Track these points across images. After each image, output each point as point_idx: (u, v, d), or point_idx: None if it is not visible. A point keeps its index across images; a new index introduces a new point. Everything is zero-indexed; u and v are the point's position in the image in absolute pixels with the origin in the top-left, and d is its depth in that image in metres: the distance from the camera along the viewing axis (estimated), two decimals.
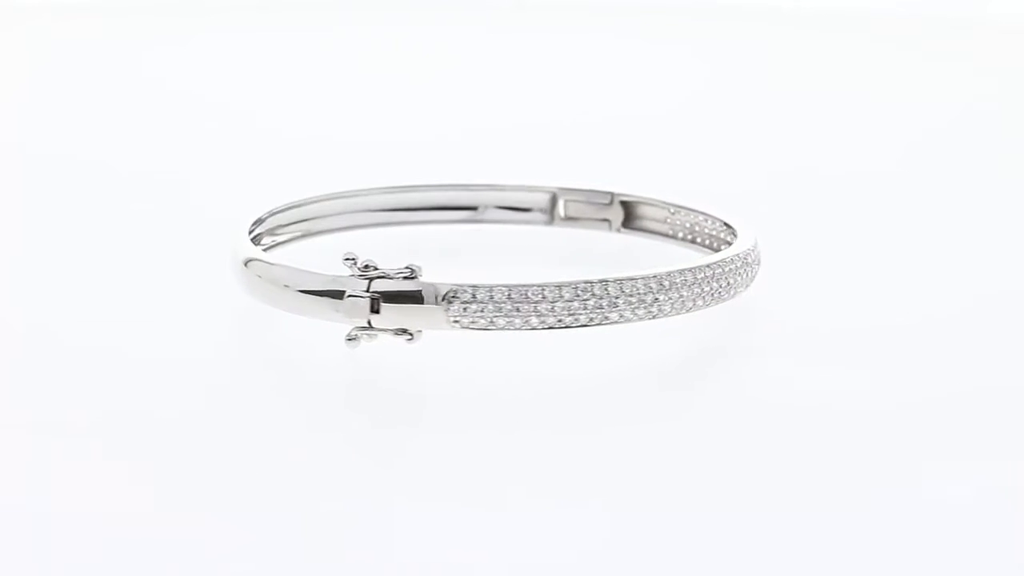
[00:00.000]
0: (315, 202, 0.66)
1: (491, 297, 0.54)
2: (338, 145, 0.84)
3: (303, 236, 0.66)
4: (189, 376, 0.56)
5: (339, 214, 0.67)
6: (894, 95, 0.94)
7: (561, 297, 0.55)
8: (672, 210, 0.66)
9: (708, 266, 0.57)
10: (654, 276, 0.56)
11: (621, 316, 0.55)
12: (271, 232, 0.64)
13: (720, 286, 0.58)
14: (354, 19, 1.04)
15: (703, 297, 0.57)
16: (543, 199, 0.68)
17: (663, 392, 0.57)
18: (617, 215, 0.67)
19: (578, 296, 0.55)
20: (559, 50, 1.02)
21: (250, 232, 0.61)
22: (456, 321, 0.54)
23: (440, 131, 0.87)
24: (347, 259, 0.55)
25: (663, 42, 1.04)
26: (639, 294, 0.55)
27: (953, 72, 0.99)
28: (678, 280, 0.56)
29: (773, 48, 1.03)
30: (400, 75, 0.96)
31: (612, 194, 0.67)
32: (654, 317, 0.56)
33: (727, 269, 0.58)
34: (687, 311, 0.57)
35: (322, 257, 0.58)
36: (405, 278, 0.54)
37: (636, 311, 0.55)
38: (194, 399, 0.55)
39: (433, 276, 0.55)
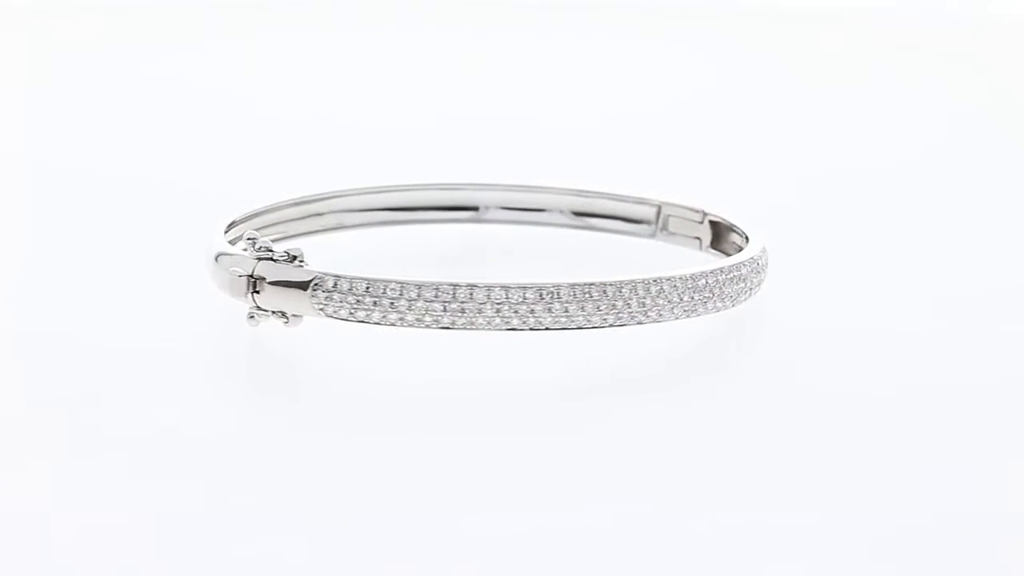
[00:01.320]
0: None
1: (350, 288, 0.54)
2: (346, 141, 0.85)
3: (320, 231, 0.66)
4: (164, 366, 0.57)
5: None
6: (900, 95, 0.95)
7: (420, 296, 0.54)
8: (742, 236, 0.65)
9: (599, 285, 0.55)
10: (532, 286, 0.55)
11: (489, 323, 0.54)
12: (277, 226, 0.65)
13: (617, 307, 0.56)
14: (357, 20, 1.05)
15: (593, 312, 0.55)
16: (650, 212, 0.68)
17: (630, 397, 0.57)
18: (707, 234, 0.67)
19: (437, 297, 0.54)
20: (559, 50, 1.02)
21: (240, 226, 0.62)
22: (321, 308, 0.55)
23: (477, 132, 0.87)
24: (248, 239, 0.56)
25: (668, 42, 1.04)
26: (512, 303, 0.54)
27: (958, 72, 0.99)
28: (562, 294, 0.55)
29: (776, 49, 1.04)
30: (411, 75, 0.97)
31: (704, 213, 0.66)
32: (531, 328, 0.55)
33: (624, 291, 0.56)
34: (574, 327, 0.55)
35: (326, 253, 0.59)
36: (286, 262, 0.55)
37: (510, 321, 0.54)
38: (168, 388, 0.56)
39: (317, 263, 0.55)
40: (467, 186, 0.68)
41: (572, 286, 0.54)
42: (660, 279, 0.56)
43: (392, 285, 0.54)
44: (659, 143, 0.87)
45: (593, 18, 1.07)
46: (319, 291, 0.55)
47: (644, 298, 0.55)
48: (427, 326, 0.54)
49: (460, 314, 0.54)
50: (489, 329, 0.54)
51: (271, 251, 0.55)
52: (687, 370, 0.59)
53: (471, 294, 0.54)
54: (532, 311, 0.54)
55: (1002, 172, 0.83)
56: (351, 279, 0.54)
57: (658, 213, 0.67)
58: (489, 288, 0.54)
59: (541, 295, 0.54)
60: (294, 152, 0.83)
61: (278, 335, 0.57)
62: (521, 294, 0.54)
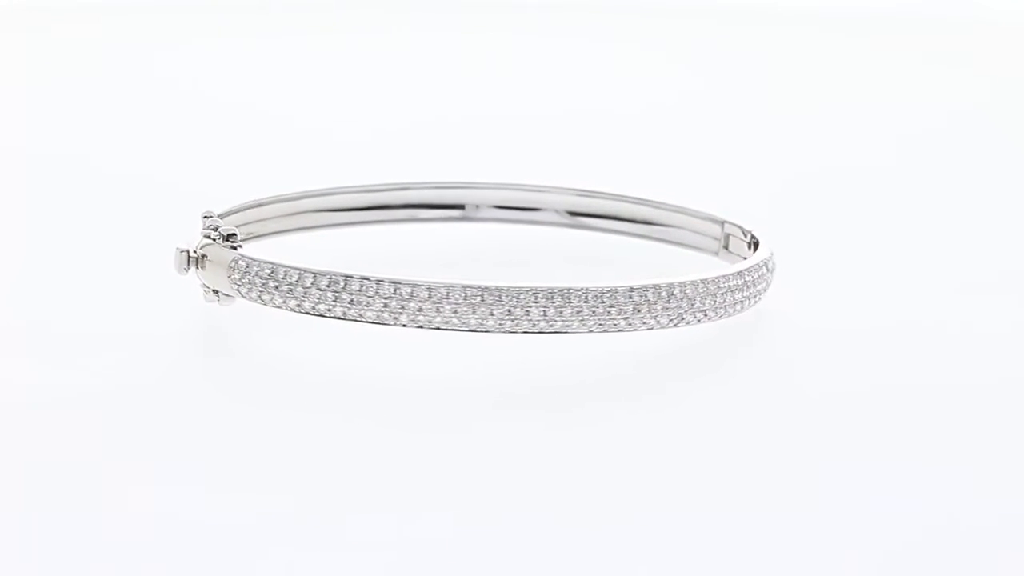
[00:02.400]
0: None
1: (257, 272, 0.56)
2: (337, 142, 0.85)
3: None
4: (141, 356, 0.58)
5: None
6: (894, 96, 0.95)
7: (315, 285, 0.55)
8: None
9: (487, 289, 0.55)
10: (422, 284, 0.54)
11: (378, 316, 0.55)
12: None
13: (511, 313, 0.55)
14: (348, 20, 1.04)
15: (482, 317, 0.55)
16: (717, 230, 0.66)
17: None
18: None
19: (329, 287, 0.55)
20: (553, 50, 1.02)
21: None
22: (237, 289, 0.56)
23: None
24: (205, 216, 0.58)
25: (660, 42, 1.04)
26: (400, 299, 0.54)
27: (957, 72, 0.99)
28: (452, 296, 0.54)
29: (772, 49, 1.03)
30: (401, 75, 0.96)
31: (752, 233, 0.65)
32: (420, 326, 0.55)
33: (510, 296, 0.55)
34: (467, 328, 0.55)
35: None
36: (222, 243, 0.57)
37: (398, 317, 0.55)
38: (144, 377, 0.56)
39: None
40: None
41: (464, 288, 0.54)
42: (569, 290, 0.55)
43: (292, 272, 0.55)
44: (656, 143, 0.87)
45: (588, 17, 1.07)
46: (235, 272, 0.56)
47: (547, 307, 0.55)
48: (321, 315, 0.55)
49: (350, 305, 0.55)
50: (379, 323, 0.54)
51: (216, 231, 0.57)
52: (659, 376, 0.59)
53: (361, 287, 0.54)
54: (420, 309, 0.54)
55: (1001, 171, 0.82)
56: (260, 263, 0.56)
57: (724, 234, 0.66)
58: (379, 282, 0.54)
59: (430, 294, 0.54)
60: (293, 151, 0.83)
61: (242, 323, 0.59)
62: (410, 291, 0.54)
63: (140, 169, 0.78)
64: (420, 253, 0.68)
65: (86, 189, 0.75)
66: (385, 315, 0.54)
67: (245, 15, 1.04)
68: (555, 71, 0.98)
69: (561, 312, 0.55)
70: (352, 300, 0.55)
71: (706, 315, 0.57)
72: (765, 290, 0.59)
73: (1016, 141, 0.88)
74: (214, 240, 0.57)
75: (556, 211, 0.68)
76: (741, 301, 0.58)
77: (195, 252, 0.57)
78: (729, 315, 0.58)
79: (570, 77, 0.97)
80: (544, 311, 0.55)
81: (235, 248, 0.57)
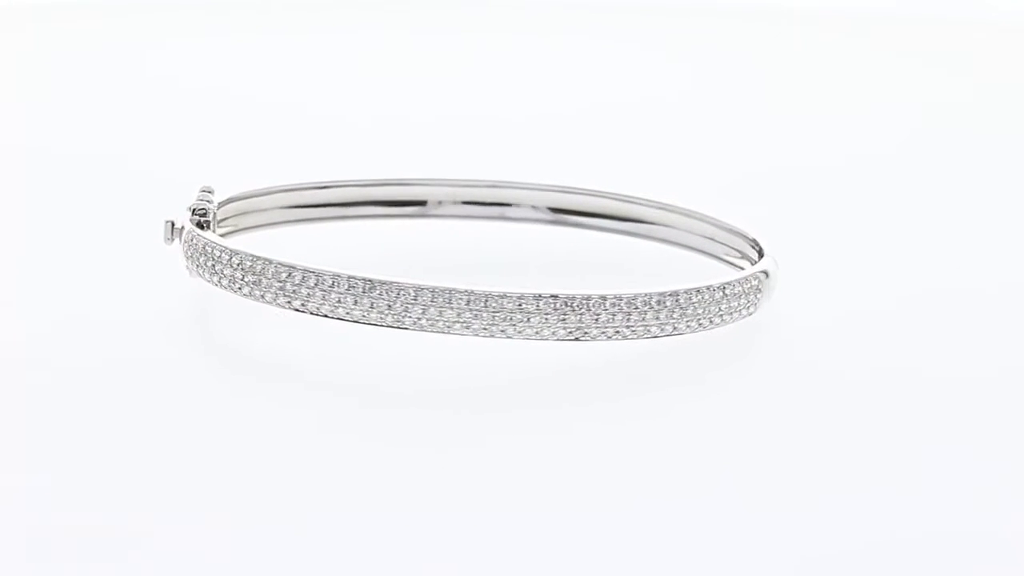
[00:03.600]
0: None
1: (192, 247, 0.57)
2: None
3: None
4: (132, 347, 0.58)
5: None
6: (893, 96, 0.94)
7: (229, 263, 0.56)
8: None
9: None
10: (349, 276, 0.55)
11: (275, 299, 0.56)
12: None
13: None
14: (325, 17, 1.04)
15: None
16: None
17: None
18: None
19: (240, 266, 0.56)
20: (548, 48, 1.01)
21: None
22: (187, 267, 0.58)
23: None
24: (203, 190, 0.60)
25: (652, 40, 1.03)
26: (294, 283, 0.55)
27: (948, 72, 0.98)
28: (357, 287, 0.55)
29: (769, 48, 1.02)
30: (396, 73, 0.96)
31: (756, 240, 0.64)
32: (355, 321, 0.55)
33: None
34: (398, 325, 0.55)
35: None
36: (195, 219, 0.59)
37: (291, 301, 0.55)
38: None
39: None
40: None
41: (349, 278, 0.55)
42: (452, 291, 0.54)
43: (218, 250, 0.56)
44: (656, 143, 0.86)
45: (577, 15, 1.06)
46: (186, 247, 0.58)
47: (428, 307, 0.55)
48: (245, 296, 0.56)
49: (253, 287, 0.56)
50: (275, 305, 0.55)
51: (197, 208, 0.59)
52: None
53: (263, 267, 0.55)
54: (309, 295, 0.55)
55: (1000, 170, 0.82)
56: (198, 239, 0.57)
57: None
58: (278, 265, 0.55)
59: (317, 281, 0.55)
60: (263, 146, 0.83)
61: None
62: (301, 277, 0.55)
63: (138, 162, 0.78)
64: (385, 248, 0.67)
65: (84, 184, 0.75)
66: (281, 299, 0.55)
67: (228, 12, 1.04)
68: (549, 71, 0.97)
69: (441, 313, 0.54)
70: (256, 282, 0.55)
71: (619, 333, 0.55)
72: (747, 309, 0.58)
73: (1016, 141, 0.87)
74: (191, 214, 0.59)
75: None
76: (665, 324, 0.56)
77: (179, 225, 0.59)
78: (655, 337, 0.56)
79: (562, 77, 0.96)
80: (424, 310, 0.54)
81: (201, 227, 0.58)
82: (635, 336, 0.55)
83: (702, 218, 0.65)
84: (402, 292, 0.54)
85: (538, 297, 0.54)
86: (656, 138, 0.86)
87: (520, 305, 0.54)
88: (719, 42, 1.02)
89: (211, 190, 0.61)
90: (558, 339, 0.55)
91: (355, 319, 0.54)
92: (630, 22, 1.04)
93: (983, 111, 0.91)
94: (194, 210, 0.59)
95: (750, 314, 0.58)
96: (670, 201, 0.66)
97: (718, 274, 0.60)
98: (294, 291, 0.55)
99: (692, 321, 0.56)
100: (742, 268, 0.62)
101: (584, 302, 0.54)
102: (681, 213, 0.66)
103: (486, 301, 0.54)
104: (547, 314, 0.54)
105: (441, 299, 0.54)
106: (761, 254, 0.61)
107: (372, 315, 0.54)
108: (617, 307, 0.55)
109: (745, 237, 0.63)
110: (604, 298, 0.55)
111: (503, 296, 0.54)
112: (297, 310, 0.55)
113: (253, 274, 0.55)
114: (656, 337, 0.55)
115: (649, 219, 0.66)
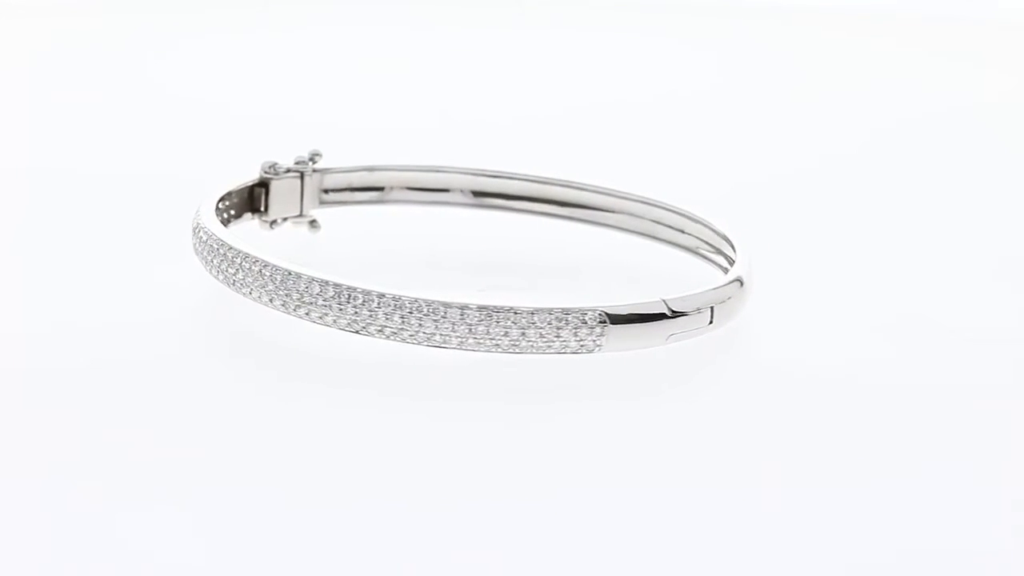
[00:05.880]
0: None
1: (195, 231, 0.58)
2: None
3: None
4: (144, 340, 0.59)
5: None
6: (893, 96, 0.94)
7: (203, 249, 0.57)
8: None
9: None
10: (254, 257, 0.55)
11: (228, 280, 0.56)
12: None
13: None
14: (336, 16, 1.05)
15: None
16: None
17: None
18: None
19: (207, 244, 0.57)
20: (546, 45, 1.02)
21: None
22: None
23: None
24: (312, 155, 0.66)
25: (654, 38, 1.04)
26: (234, 264, 0.56)
27: (949, 72, 0.99)
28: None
29: (768, 48, 1.03)
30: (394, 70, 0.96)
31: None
32: (282, 308, 0.55)
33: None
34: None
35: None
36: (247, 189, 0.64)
37: (233, 283, 0.56)
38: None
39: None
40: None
41: (266, 264, 0.55)
42: (354, 289, 0.54)
43: (215, 239, 0.57)
44: (655, 142, 0.87)
45: (570, 15, 1.07)
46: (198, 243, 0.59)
47: (340, 304, 0.54)
48: (213, 277, 0.57)
49: (218, 271, 0.56)
50: (232, 287, 0.56)
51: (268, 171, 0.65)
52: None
53: (226, 254, 0.56)
54: (245, 280, 0.55)
55: (998, 170, 0.82)
56: (200, 225, 0.58)
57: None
58: (244, 256, 0.55)
59: (251, 266, 0.55)
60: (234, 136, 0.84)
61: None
62: (240, 260, 0.56)
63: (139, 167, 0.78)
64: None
65: (84, 187, 0.75)
66: (234, 281, 0.56)
67: (221, 11, 1.05)
68: (548, 71, 0.98)
69: (357, 313, 0.54)
70: (221, 264, 0.56)
71: (460, 344, 0.54)
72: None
73: (1016, 141, 0.88)
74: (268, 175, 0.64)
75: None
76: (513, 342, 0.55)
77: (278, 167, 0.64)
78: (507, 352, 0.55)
79: (561, 77, 0.97)
80: (333, 306, 0.54)
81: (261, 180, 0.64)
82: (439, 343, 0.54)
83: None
84: (311, 285, 0.54)
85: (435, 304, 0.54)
86: (656, 138, 0.87)
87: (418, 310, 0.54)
88: (719, 42, 1.03)
89: (317, 154, 0.65)
90: (340, 328, 0.54)
91: (274, 307, 0.55)
92: (630, 21, 1.05)
93: (983, 112, 0.91)
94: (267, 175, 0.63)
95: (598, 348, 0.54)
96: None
97: (702, 273, 0.61)
98: (235, 271, 0.56)
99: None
100: (717, 264, 0.62)
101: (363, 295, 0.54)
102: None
103: (398, 304, 0.54)
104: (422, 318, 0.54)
105: (345, 296, 0.54)
106: (732, 257, 0.61)
107: (288, 308, 0.55)
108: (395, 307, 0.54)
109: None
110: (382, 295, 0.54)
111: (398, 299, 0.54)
112: (246, 294, 0.56)
113: (219, 258, 0.56)
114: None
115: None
